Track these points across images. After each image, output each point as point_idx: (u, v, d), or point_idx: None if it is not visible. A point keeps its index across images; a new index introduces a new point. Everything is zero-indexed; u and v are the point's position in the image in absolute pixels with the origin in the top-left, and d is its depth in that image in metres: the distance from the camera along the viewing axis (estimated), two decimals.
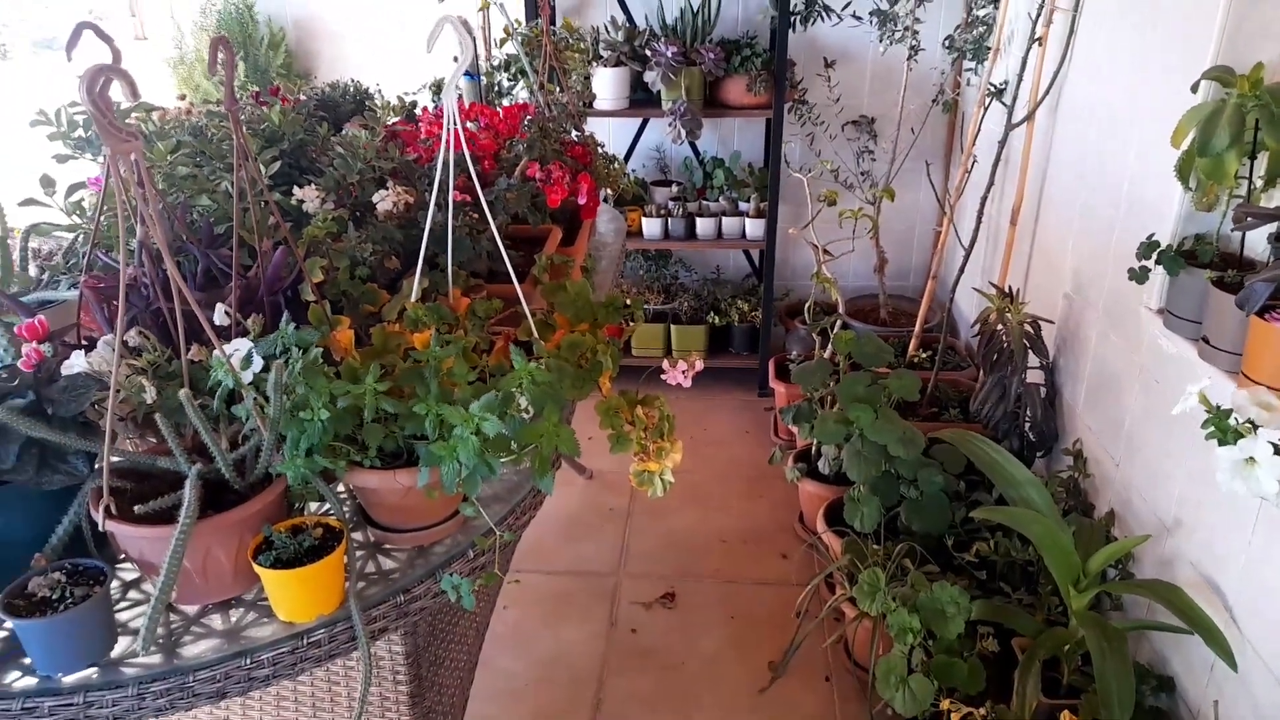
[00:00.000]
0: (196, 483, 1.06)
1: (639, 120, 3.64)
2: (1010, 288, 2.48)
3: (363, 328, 1.47)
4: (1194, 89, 1.70)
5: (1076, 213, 2.37)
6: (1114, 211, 2.16)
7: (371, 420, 1.09)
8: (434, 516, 1.23)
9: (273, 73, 3.63)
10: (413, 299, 1.39)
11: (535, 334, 1.42)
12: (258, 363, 1.17)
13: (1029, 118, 2.54)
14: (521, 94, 3.02)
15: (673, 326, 3.68)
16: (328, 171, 1.65)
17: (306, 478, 1.08)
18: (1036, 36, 2.47)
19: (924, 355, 3.18)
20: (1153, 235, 1.84)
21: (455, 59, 1.40)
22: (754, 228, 3.50)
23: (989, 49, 2.98)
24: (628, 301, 1.55)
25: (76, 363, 1.11)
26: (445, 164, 1.34)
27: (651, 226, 3.52)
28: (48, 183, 1.42)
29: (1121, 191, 2.12)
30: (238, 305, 1.42)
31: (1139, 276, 1.85)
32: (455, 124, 1.30)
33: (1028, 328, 2.41)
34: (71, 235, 1.56)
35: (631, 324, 1.56)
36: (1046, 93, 2.49)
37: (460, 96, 2.74)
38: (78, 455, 1.10)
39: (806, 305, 3.05)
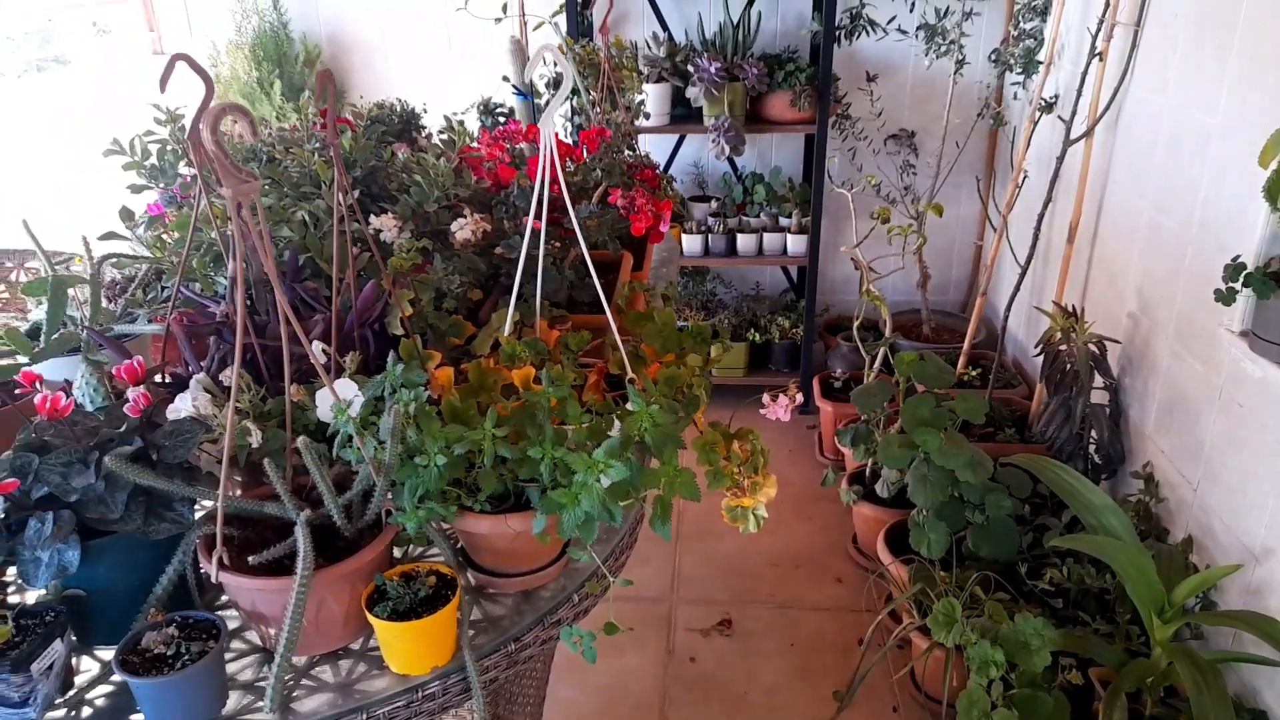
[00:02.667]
0: (307, 531, 1.02)
1: (676, 135, 3.61)
2: (1072, 306, 2.44)
3: (450, 361, 1.44)
4: None
5: (1141, 230, 2.33)
6: (1185, 230, 2.12)
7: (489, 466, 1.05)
8: (540, 560, 1.19)
9: (307, 90, 3.61)
10: (506, 332, 1.35)
11: (629, 368, 1.38)
12: (358, 401, 1.14)
13: (1088, 134, 2.51)
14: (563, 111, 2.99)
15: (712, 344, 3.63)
16: (402, 199, 1.61)
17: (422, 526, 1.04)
18: (1097, 51, 2.43)
19: (973, 373, 3.13)
20: (1238, 257, 1.80)
21: (547, 84, 1.36)
22: (796, 244, 3.47)
23: (1039, 63, 2.94)
24: (715, 330, 1.52)
25: (182, 406, 1.08)
26: (540, 196, 1.30)
27: (692, 243, 3.49)
28: (127, 215, 1.39)
29: (1193, 210, 2.08)
30: (323, 337, 1.39)
31: (1225, 298, 1.81)
32: (553, 154, 1.27)
33: (1093, 348, 2.37)
34: (145, 267, 1.53)
35: (720, 352, 1.53)
36: (1107, 108, 2.45)
37: (513, 114, 2.71)
38: (182, 501, 1.07)
39: (856, 323, 3.01)
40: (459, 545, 1.24)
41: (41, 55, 3.58)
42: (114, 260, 1.44)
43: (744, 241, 3.50)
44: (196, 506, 1.15)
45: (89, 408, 1.22)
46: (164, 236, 1.46)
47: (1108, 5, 2.39)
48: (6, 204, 2.72)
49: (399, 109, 2.70)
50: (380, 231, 1.55)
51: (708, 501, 1.34)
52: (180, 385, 1.31)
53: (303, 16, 3.66)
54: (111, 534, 1.03)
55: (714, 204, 3.61)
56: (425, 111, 2.73)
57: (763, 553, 2.84)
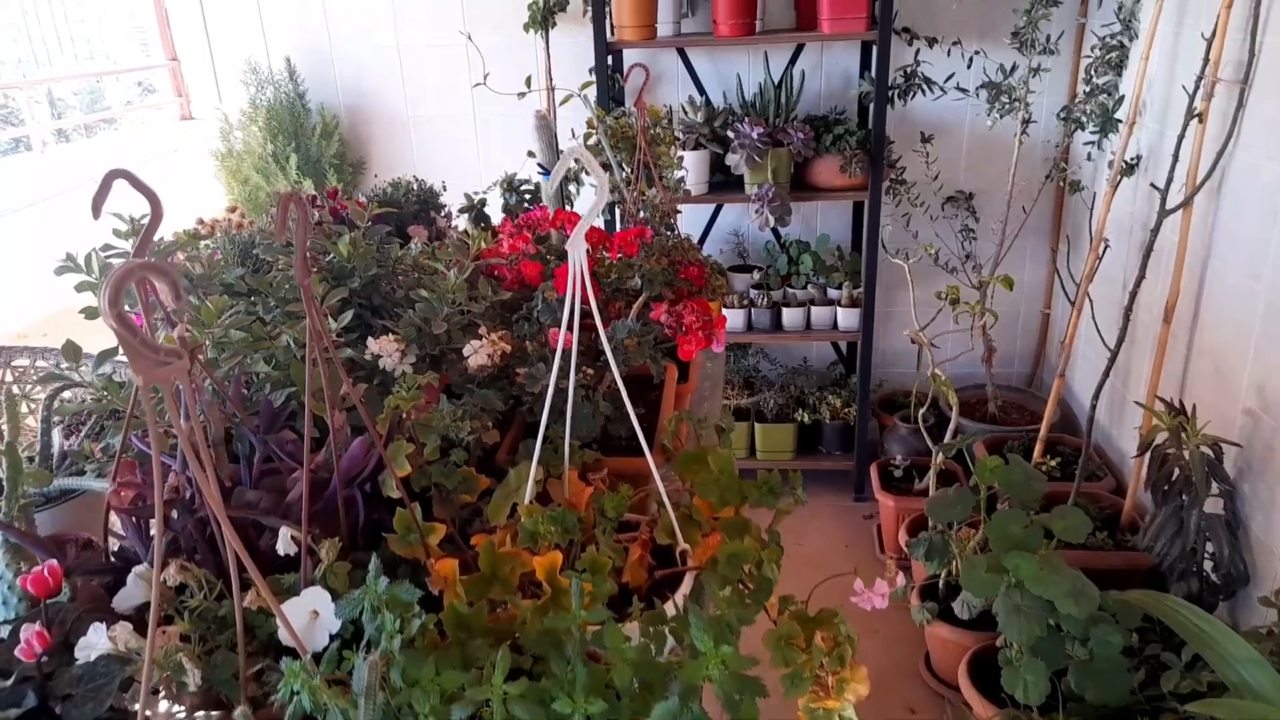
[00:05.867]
0: None
1: (714, 204, 3.36)
2: (1179, 403, 2.13)
3: (460, 524, 1.17)
4: None
5: (1257, 316, 2.02)
6: None
7: None
8: None
9: (325, 163, 3.43)
10: (527, 498, 1.08)
11: (680, 537, 1.11)
12: (332, 622, 0.87)
13: (1187, 203, 2.21)
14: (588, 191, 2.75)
15: (757, 425, 3.35)
16: (405, 316, 1.36)
17: None
18: (1196, 112, 2.15)
19: (1052, 463, 2.81)
20: None
21: (572, 183, 1.11)
22: (847, 318, 3.18)
23: (1119, 121, 2.66)
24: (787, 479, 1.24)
25: (96, 642, 0.81)
26: (569, 323, 1.04)
27: (733, 318, 3.22)
28: (73, 354, 1.14)
29: None
30: (304, 499, 1.12)
31: None
32: (584, 276, 1.01)
33: (1206, 450, 2.06)
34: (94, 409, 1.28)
35: (792, 506, 1.25)
36: (1209, 175, 2.16)
37: (538, 191, 2.48)
38: None
39: (922, 408, 2.72)
40: None
41: (89, 120, 3.46)
42: (59, 405, 1.20)
43: (790, 316, 3.22)
44: None
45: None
46: (116, 376, 1.21)
47: (1206, 60, 2.12)
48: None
49: (416, 187, 2.48)
50: (379, 357, 1.30)
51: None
52: (126, 568, 1.06)
53: (320, 87, 3.49)
54: None
55: (756, 275, 3.35)
56: (445, 189, 2.51)
57: None
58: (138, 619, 0.99)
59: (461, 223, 2.52)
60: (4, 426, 1.11)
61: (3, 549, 1.00)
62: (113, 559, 1.13)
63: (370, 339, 1.31)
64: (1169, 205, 2.24)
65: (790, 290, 3.28)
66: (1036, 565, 1.91)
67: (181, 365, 0.70)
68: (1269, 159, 1.99)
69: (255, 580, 0.75)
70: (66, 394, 1.38)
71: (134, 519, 1.03)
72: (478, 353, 1.31)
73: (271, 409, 1.13)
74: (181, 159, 3.52)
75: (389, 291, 1.50)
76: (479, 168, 3.43)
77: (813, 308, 3.22)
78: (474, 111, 3.41)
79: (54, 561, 0.88)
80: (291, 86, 3.43)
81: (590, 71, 3.15)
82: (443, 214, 2.46)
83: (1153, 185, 2.28)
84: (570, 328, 1.05)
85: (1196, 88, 2.15)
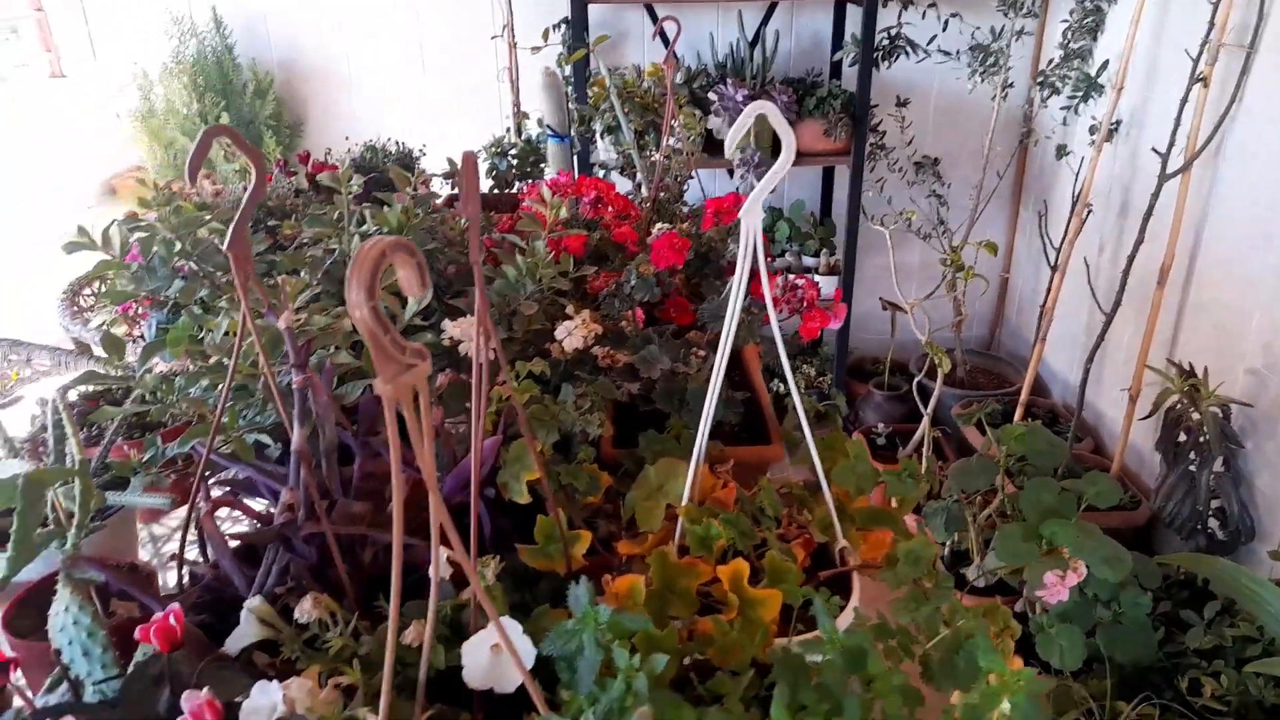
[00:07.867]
0: None
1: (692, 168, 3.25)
2: (1190, 365, 2.16)
3: (585, 527, 1.04)
4: None
5: (1266, 276, 2.06)
6: None
7: None
8: None
9: (260, 124, 3.13)
10: (685, 498, 0.96)
11: (841, 536, 1.01)
12: (526, 657, 0.74)
13: (1188, 166, 2.24)
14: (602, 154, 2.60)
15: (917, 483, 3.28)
16: (473, 294, 1.21)
17: None
18: (1200, 75, 2.17)
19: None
20: None
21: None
22: (824, 286, 3.13)
23: (1100, 85, 2.68)
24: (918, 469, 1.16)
25: (264, 704, 0.65)
26: (736, 304, 0.92)
27: None
28: (115, 347, 0.95)
29: None
30: (403, 505, 0.98)
31: None
32: (757, 249, 0.89)
33: (1214, 409, 2.10)
34: (130, 400, 1.08)
35: (923, 492, 1.17)
36: (1210, 139, 2.19)
37: (529, 157, 2.31)
38: None
39: (916, 379, 2.70)
40: None
41: None
42: (97, 411, 1.00)
43: None
44: None
45: (81, 669, 0.78)
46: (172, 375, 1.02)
47: (1212, 24, 2.13)
48: None
49: (395, 150, 2.28)
50: (459, 343, 1.15)
51: None
52: (217, 599, 0.89)
53: (251, 40, 3.18)
54: None
55: None
56: (424, 154, 2.32)
57: None
58: (245, 662, 0.84)
59: (444, 190, 2.33)
60: (69, 445, 0.91)
61: (69, 589, 0.82)
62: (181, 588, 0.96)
63: (447, 322, 1.15)
64: (1170, 170, 2.26)
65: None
66: (1075, 532, 1.91)
67: (425, 368, 0.55)
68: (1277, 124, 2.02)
69: (491, 618, 0.62)
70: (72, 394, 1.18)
71: (232, 550, 0.86)
72: (572, 334, 1.17)
73: (372, 409, 0.97)
74: (55, 121, 3.13)
75: (442, 269, 1.34)
76: (431, 131, 3.20)
77: (788, 276, 3.16)
78: (424, 65, 3.18)
79: (177, 605, 0.71)
80: (219, 40, 3.11)
81: (555, 28, 2.97)
82: (420, 177, 2.27)
83: (1154, 150, 2.30)
84: (736, 308, 0.93)
85: (1201, 51, 2.16)
